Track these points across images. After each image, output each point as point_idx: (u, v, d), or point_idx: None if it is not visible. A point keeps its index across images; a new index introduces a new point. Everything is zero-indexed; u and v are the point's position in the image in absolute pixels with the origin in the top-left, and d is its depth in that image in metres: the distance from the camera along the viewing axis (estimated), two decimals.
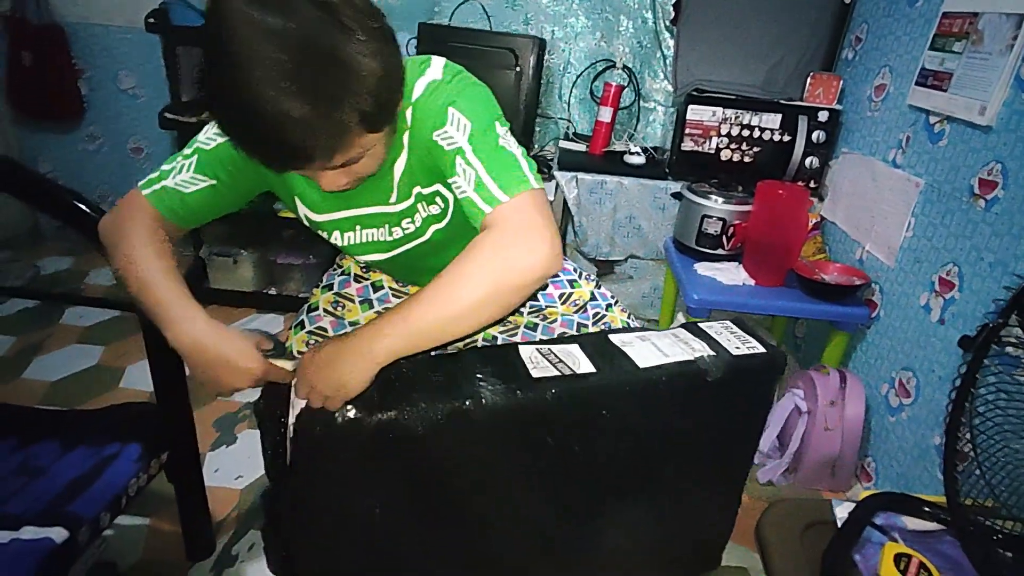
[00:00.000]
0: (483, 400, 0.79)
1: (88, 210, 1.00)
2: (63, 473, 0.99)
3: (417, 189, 0.93)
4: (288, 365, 0.82)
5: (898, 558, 0.87)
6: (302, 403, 0.77)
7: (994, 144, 1.35)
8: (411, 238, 0.99)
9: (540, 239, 0.77)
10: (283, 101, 0.63)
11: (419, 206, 0.95)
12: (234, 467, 1.62)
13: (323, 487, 0.81)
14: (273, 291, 2.49)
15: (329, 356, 0.76)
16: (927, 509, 0.98)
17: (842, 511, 0.99)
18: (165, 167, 0.88)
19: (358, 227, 0.97)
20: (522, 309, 1.15)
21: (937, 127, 1.55)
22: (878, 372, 1.70)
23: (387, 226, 0.98)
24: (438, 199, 0.95)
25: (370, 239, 0.99)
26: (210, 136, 0.87)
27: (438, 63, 0.86)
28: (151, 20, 2.09)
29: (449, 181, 0.84)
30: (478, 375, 0.82)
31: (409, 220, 0.97)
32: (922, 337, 1.52)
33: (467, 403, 0.78)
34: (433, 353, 0.83)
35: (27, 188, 1.07)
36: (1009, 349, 0.90)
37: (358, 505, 0.83)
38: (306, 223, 0.99)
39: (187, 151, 0.87)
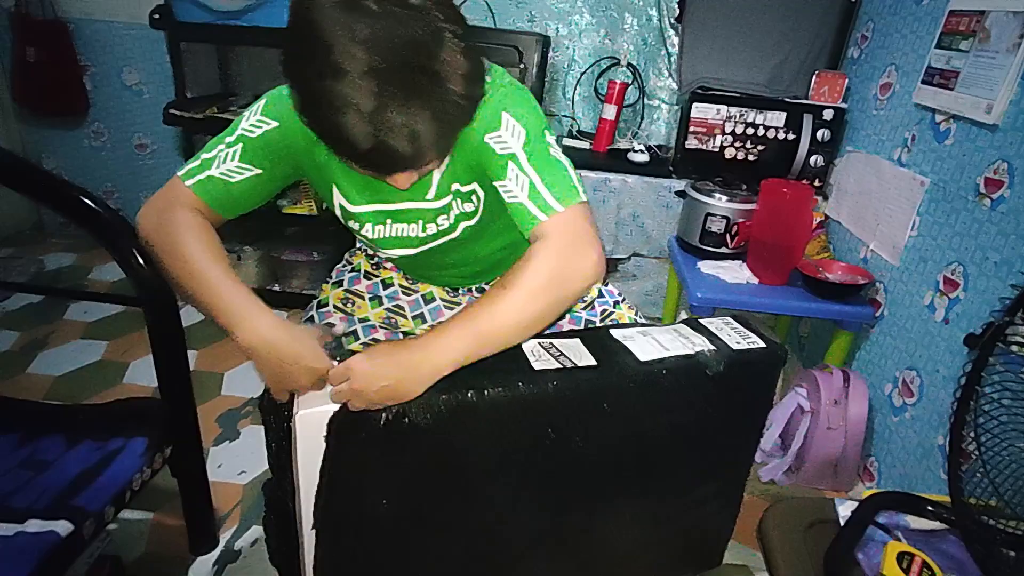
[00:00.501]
0: (485, 392, 0.79)
1: (93, 206, 1.00)
2: (68, 467, 1.00)
3: (456, 186, 0.93)
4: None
5: (901, 557, 0.87)
6: (308, 402, 0.77)
7: (1000, 143, 1.34)
8: (442, 235, 0.99)
9: (593, 250, 0.83)
10: (403, 112, 0.65)
11: (455, 203, 0.95)
12: (237, 462, 1.62)
13: (330, 481, 0.81)
14: (278, 287, 2.49)
15: (389, 370, 0.74)
16: (930, 508, 0.98)
17: (845, 510, 0.99)
18: (206, 155, 0.85)
19: (389, 221, 0.97)
20: None
21: (943, 126, 1.55)
22: (882, 371, 1.69)
23: (421, 222, 0.97)
24: (473, 197, 0.96)
25: (400, 234, 0.98)
26: (254, 123, 0.85)
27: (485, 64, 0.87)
28: (156, 16, 2.09)
29: (496, 184, 0.87)
30: (481, 367, 0.82)
31: (444, 217, 0.97)
32: (926, 337, 1.52)
33: (470, 395, 0.79)
34: None
35: (32, 184, 1.07)
36: (1015, 348, 0.90)
37: (365, 497, 0.83)
38: (338, 212, 0.98)
39: (229, 139, 0.86)
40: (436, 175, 0.91)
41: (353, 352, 0.79)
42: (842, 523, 0.97)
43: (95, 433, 1.08)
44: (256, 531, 1.42)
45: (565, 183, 0.85)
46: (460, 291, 1.19)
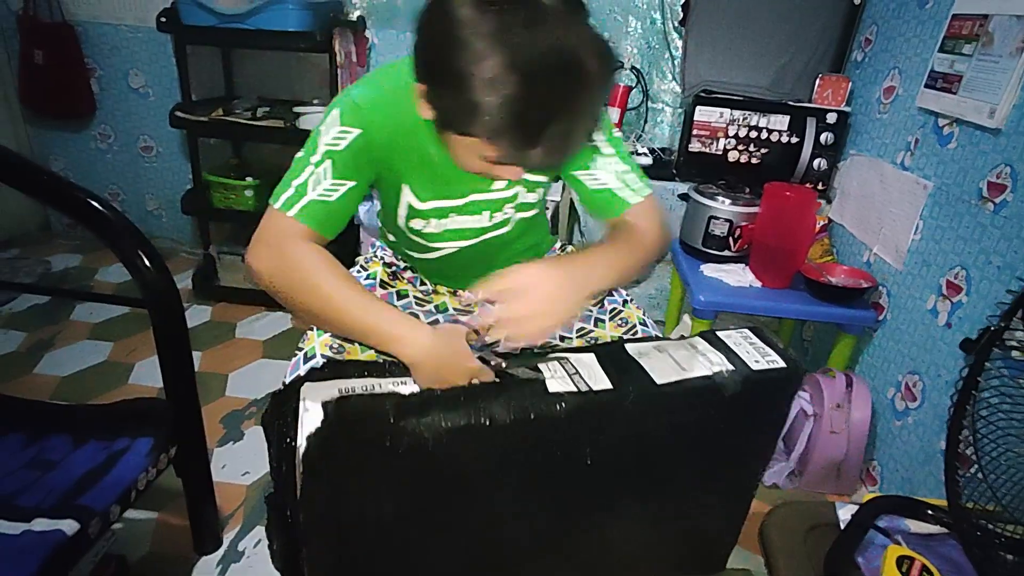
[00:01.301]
0: (496, 416, 0.79)
1: (100, 208, 1.01)
2: (75, 466, 1.01)
3: (526, 175, 0.95)
4: (492, 361, 0.84)
5: (900, 561, 0.87)
6: (313, 414, 0.77)
7: (1003, 147, 1.34)
8: (498, 227, 1.04)
9: (668, 229, 1.03)
10: (587, 120, 0.72)
11: (520, 190, 1.00)
12: (241, 463, 1.63)
13: (334, 493, 0.81)
14: None
15: (542, 306, 0.77)
16: (930, 512, 0.98)
17: (845, 514, 0.99)
18: (297, 181, 0.83)
19: (453, 215, 0.98)
20: None
21: (946, 129, 1.55)
22: (884, 376, 1.69)
23: (487, 212, 1.00)
24: (539, 188, 1.02)
25: (461, 226, 1.00)
26: (336, 135, 0.84)
27: None
28: (162, 19, 2.11)
29: (578, 173, 0.98)
30: (495, 388, 0.82)
31: (510, 205, 1.02)
32: (929, 341, 1.52)
33: (483, 420, 0.79)
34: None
35: (39, 186, 1.08)
36: (1015, 354, 0.90)
37: (368, 509, 0.83)
38: (402, 212, 0.97)
39: (315, 158, 0.84)
40: None
41: (492, 344, 0.83)
42: (842, 527, 0.97)
43: (101, 433, 1.09)
44: (260, 532, 1.42)
45: (640, 173, 1.02)
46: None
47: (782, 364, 0.92)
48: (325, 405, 0.74)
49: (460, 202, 0.97)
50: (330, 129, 0.84)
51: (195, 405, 1.19)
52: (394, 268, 1.19)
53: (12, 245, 2.82)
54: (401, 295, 1.15)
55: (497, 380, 0.83)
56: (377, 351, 0.85)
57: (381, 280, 1.17)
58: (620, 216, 1.00)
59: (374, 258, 1.20)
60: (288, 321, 2.39)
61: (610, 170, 0.99)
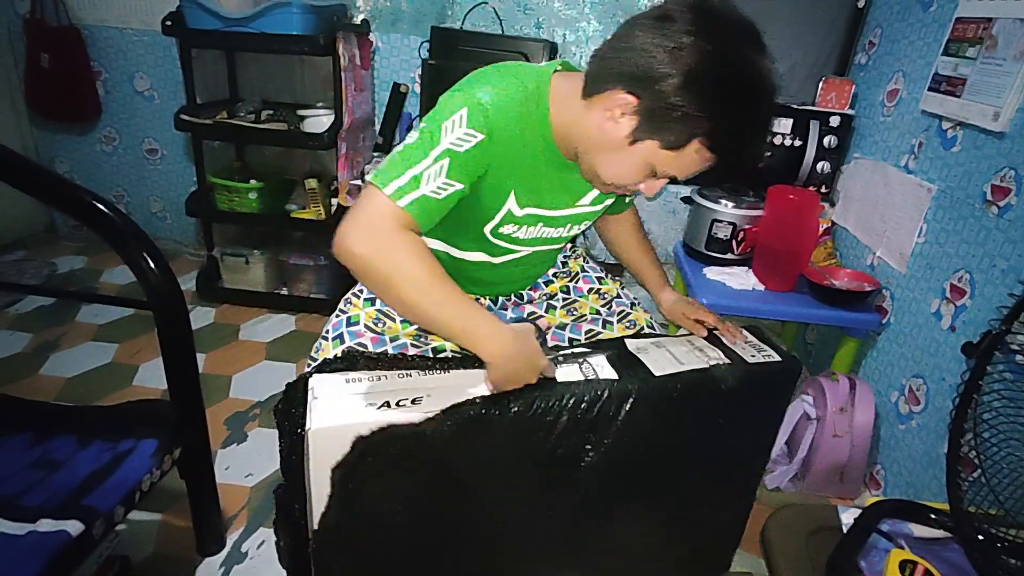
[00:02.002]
0: (497, 411, 0.80)
1: (106, 210, 1.02)
2: (79, 467, 1.01)
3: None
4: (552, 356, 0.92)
5: (903, 565, 0.87)
6: (319, 417, 0.78)
7: (1007, 150, 1.34)
8: (565, 239, 1.10)
9: None
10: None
11: (596, 209, 1.06)
12: (244, 465, 1.63)
13: (344, 492, 0.81)
14: (285, 291, 2.51)
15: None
16: (933, 516, 0.98)
17: (848, 517, 0.99)
18: (413, 172, 0.82)
19: (540, 224, 1.02)
20: (555, 303, 1.20)
21: (950, 133, 1.54)
22: (888, 379, 1.69)
23: (569, 225, 1.06)
24: (606, 201, 1.07)
25: (542, 235, 1.04)
26: (461, 136, 0.83)
27: None
28: (168, 23, 2.12)
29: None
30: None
31: (588, 221, 1.09)
32: (932, 344, 1.51)
33: (495, 412, 0.81)
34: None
35: (45, 188, 1.09)
36: (1019, 358, 0.90)
37: (377, 507, 0.84)
38: (498, 216, 0.97)
39: (434, 152, 0.83)
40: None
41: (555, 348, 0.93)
42: (845, 530, 0.97)
43: (106, 434, 1.09)
44: (263, 533, 1.43)
45: None
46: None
47: (777, 358, 0.93)
48: (354, 443, 0.77)
49: (552, 213, 1.00)
50: (455, 128, 0.83)
51: (199, 407, 1.19)
52: (381, 309, 1.11)
53: (18, 247, 2.83)
54: (393, 339, 1.07)
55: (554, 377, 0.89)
56: (458, 345, 0.86)
57: (366, 325, 1.08)
58: (622, 212, 1.29)
59: (352, 299, 1.12)
60: (291, 323, 2.39)
61: None
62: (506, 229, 0.99)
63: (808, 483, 1.67)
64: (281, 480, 0.92)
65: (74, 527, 0.88)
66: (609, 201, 1.08)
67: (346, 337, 1.04)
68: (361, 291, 1.13)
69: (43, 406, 1.19)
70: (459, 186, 0.85)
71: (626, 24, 0.83)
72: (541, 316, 1.16)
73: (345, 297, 1.13)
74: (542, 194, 0.97)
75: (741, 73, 0.77)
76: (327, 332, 1.07)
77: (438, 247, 1.05)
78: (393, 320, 1.08)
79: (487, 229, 0.99)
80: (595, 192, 1.02)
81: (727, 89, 0.77)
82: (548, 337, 0.99)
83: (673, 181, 0.91)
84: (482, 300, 1.17)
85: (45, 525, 0.87)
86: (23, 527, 0.87)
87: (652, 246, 1.34)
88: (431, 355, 1.00)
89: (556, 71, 0.92)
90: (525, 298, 1.19)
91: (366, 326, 1.06)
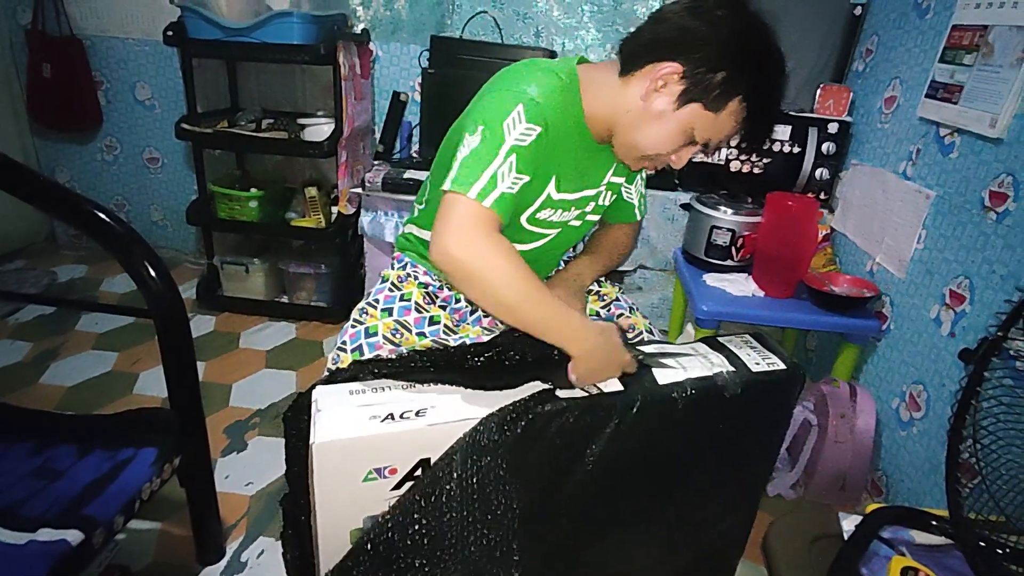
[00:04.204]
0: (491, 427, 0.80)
1: (107, 219, 1.02)
2: (79, 476, 1.01)
3: (614, 179, 1.12)
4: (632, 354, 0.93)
5: (905, 572, 0.87)
6: (324, 431, 0.78)
7: (1005, 156, 1.34)
8: (589, 225, 1.15)
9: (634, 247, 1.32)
10: None
11: (607, 194, 1.11)
12: (244, 473, 1.63)
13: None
14: (285, 299, 2.51)
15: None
16: (934, 523, 0.98)
17: (849, 524, 0.99)
18: (488, 172, 0.85)
19: (573, 208, 1.07)
20: None
21: (948, 139, 1.55)
22: (888, 385, 1.69)
23: (580, 210, 1.09)
24: (612, 192, 1.13)
25: (561, 219, 1.08)
26: (523, 131, 0.87)
27: None
28: (169, 33, 2.13)
29: (621, 180, 1.13)
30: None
31: (593, 204, 1.11)
32: (932, 350, 1.51)
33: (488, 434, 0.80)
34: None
35: (46, 197, 1.09)
36: (1018, 364, 0.90)
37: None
38: (538, 200, 1.01)
39: (503, 150, 0.86)
40: (612, 165, 1.06)
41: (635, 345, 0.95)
42: (846, 537, 0.97)
43: (106, 443, 1.09)
44: (263, 542, 1.42)
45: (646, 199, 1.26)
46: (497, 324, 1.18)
47: (782, 366, 0.93)
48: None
49: (578, 195, 1.06)
50: (517, 124, 0.87)
51: (199, 415, 1.19)
52: (430, 288, 1.15)
53: (18, 256, 2.84)
54: (433, 320, 1.11)
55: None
56: (544, 343, 0.87)
57: (416, 303, 1.12)
58: (620, 225, 1.25)
59: (409, 277, 1.16)
60: (292, 331, 2.39)
61: (638, 188, 1.21)
62: (543, 214, 1.04)
63: (809, 490, 1.67)
64: (284, 489, 0.92)
65: (74, 536, 0.87)
66: (621, 179, 1.14)
67: (365, 349, 1.04)
68: (377, 301, 1.12)
69: (43, 415, 1.19)
70: (526, 178, 0.89)
71: (656, 12, 0.92)
72: (625, 316, 1.21)
73: (359, 307, 1.12)
74: (577, 177, 1.03)
75: (769, 43, 0.88)
76: (344, 343, 1.06)
77: None
78: (409, 331, 1.08)
79: (524, 217, 1.03)
80: (610, 175, 1.10)
81: (762, 53, 0.88)
82: (629, 336, 1.05)
83: (703, 150, 0.97)
84: (471, 332, 1.16)
85: (45, 534, 0.87)
86: (23, 536, 0.87)
87: (615, 265, 1.26)
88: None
89: (579, 63, 1.00)
90: None
91: (385, 337, 1.05)
